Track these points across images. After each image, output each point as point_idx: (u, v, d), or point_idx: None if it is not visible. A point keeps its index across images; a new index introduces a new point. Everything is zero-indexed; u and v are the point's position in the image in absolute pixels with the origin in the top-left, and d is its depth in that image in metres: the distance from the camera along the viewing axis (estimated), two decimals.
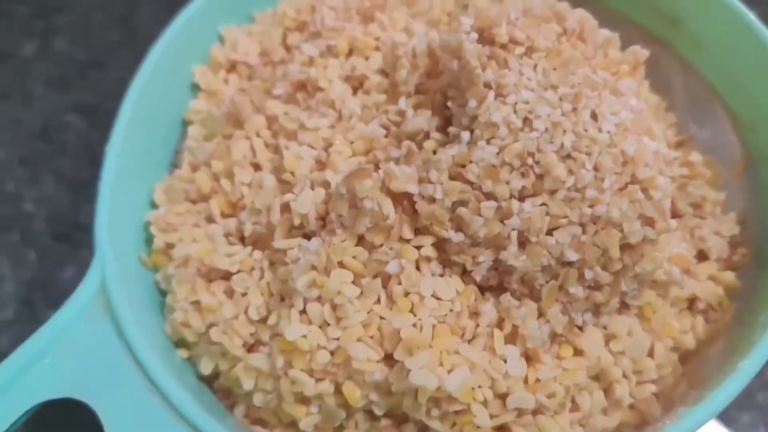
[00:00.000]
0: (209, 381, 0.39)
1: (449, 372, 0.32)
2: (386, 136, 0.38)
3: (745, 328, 0.35)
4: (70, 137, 0.65)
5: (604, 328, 0.36)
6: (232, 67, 0.46)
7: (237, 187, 0.40)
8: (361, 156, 0.38)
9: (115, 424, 0.33)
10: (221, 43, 0.47)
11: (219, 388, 0.38)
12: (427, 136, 0.37)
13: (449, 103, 0.37)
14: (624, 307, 0.37)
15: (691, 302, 0.38)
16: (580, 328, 0.36)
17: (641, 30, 0.47)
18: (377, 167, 0.36)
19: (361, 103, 0.40)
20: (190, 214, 0.41)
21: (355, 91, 0.41)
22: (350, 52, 0.42)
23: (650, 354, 0.36)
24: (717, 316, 0.38)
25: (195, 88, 0.46)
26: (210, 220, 0.40)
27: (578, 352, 0.35)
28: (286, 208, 0.37)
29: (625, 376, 0.36)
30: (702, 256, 0.39)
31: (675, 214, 0.40)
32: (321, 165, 0.38)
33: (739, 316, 0.37)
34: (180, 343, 0.39)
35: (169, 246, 0.40)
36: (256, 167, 0.40)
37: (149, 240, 0.41)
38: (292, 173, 0.38)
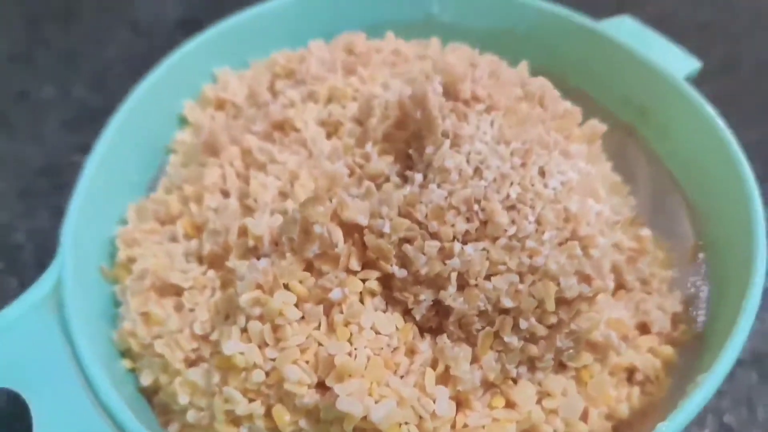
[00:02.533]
0: (149, 396, 0.39)
1: (377, 402, 0.33)
2: (350, 176, 0.40)
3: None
4: (73, 176, 0.67)
5: (539, 384, 0.36)
6: (221, 105, 0.49)
7: (204, 211, 0.41)
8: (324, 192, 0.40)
9: (44, 419, 0.34)
10: (214, 82, 0.50)
11: (157, 404, 0.39)
12: (387, 179, 0.39)
13: (411, 150, 0.39)
14: (561, 367, 0.37)
15: (630, 373, 0.39)
16: (515, 381, 0.36)
17: (611, 116, 0.49)
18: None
19: (332, 145, 0.42)
20: (156, 234, 0.42)
21: (329, 136, 0.44)
22: (329, 100, 0.45)
23: (584, 418, 0.37)
24: (653, 390, 0.38)
25: (183, 121, 0.49)
26: (174, 240, 0.42)
27: (510, 404, 0.36)
28: (244, 232, 0.38)
29: None
30: (644, 329, 0.40)
31: (622, 287, 0.41)
32: (285, 195, 0.40)
33: (673, 392, 0.38)
34: (126, 354, 0.39)
35: (131, 260, 0.41)
36: (225, 194, 0.42)
37: (114, 256, 0.42)
38: (255, 200, 0.39)
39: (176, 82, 0.48)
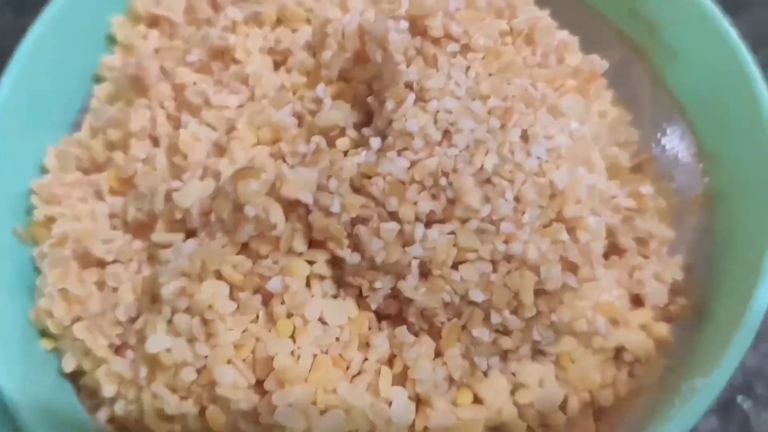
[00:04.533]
0: (75, 375, 0.35)
1: (322, 413, 0.29)
2: (300, 125, 0.33)
3: (669, 392, 0.31)
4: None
5: (513, 374, 0.32)
6: (154, 21, 0.41)
7: (131, 162, 0.35)
8: (267, 146, 0.33)
9: None
10: None
11: (84, 386, 0.34)
12: (342, 132, 0.32)
13: (370, 99, 0.32)
14: (538, 352, 0.32)
15: (618, 351, 0.34)
16: (485, 373, 0.32)
17: (617, 32, 0.41)
18: (282, 159, 0.32)
19: (280, 82, 0.35)
20: (80, 186, 0.36)
21: (277, 66, 0.37)
22: (278, 22, 0.37)
23: (562, 407, 0.32)
24: (643, 371, 0.34)
25: (110, 40, 0.41)
26: (99, 196, 0.36)
27: (478, 400, 0.31)
28: (171, 195, 0.32)
29: (529, 428, 0.32)
30: (637, 300, 0.35)
31: (617, 250, 0.35)
32: (221, 150, 0.33)
33: (666, 374, 0.33)
34: (45, 332, 0.34)
35: (51, 219, 0.36)
36: (155, 141, 0.35)
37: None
38: (186, 156, 0.33)
39: None
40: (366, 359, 0.30)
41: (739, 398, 0.57)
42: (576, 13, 0.40)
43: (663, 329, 0.34)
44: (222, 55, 0.37)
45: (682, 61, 0.39)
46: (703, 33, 0.37)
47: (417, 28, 0.31)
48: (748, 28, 0.38)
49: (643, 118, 0.41)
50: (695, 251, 0.36)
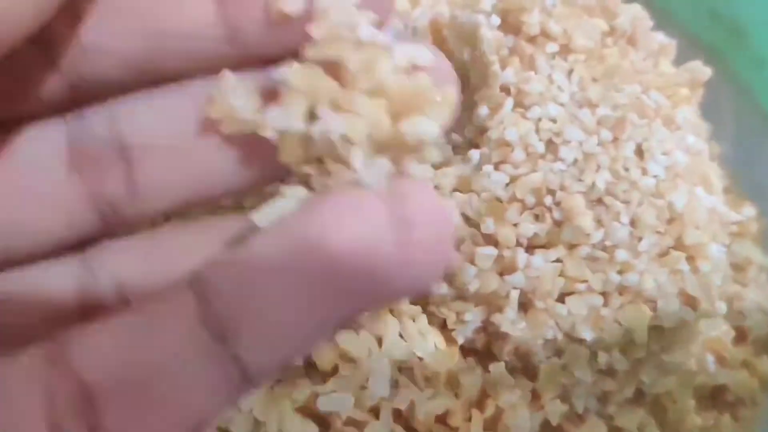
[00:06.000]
0: None
1: None
2: None
3: None
4: None
5: (611, 417, 0.28)
6: None
7: None
8: None
9: None
10: None
11: None
12: None
13: None
14: (637, 393, 0.29)
15: (715, 390, 0.31)
16: (581, 417, 0.28)
17: (692, 38, 0.38)
18: None
19: None
20: None
21: None
22: None
23: None
24: (747, 413, 0.30)
25: None
26: None
27: None
28: None
29: None
30: (739, 333, 0.31)
31: None
32: None
33: None
34: None
35: None
36: None
37: None
38: None
39: None
40: (456, 395, 0.26)
41: None
42: None
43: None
44: None
45: None
46: None
47: (509, 25, 0.27)
48: None
49: (725, 132, 0.37)
50: None
